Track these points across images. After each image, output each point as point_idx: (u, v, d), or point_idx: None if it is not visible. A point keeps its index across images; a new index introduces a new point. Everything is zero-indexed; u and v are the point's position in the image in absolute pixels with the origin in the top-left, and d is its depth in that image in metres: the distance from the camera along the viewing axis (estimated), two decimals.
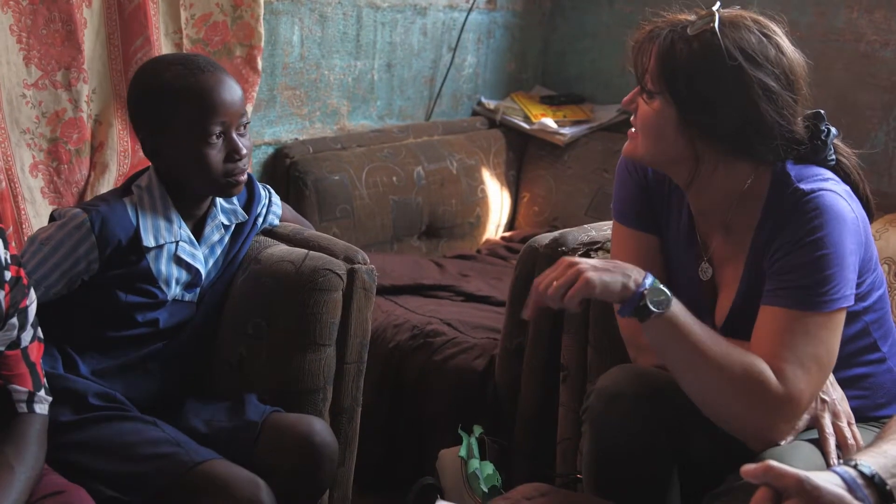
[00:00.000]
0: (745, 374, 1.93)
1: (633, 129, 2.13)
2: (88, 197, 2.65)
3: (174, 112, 2.16)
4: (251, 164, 2.28)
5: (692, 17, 2.04)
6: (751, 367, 1.94)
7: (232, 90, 2.20)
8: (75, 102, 2.68)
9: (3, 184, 2.54)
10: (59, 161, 2.68)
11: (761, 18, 2.06)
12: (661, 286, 1.96)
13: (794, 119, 2.03)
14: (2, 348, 1.86)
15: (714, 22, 2.00)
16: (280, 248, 2.40)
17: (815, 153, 2.09)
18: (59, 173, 2.68)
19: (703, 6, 2.08)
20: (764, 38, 2.02)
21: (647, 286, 1.96)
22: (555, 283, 1.95)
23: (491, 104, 4.05)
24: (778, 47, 2.03)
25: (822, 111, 2.10)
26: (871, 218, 2.16)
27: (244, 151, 2.21)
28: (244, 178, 2.25)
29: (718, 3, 2.06)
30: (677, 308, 1.96)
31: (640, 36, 2.10)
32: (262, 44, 3.01)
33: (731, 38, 1.99)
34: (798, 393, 1.93)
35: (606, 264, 2.01)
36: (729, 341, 2.04)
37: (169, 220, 2.23)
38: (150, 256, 2.21)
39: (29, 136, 2.63)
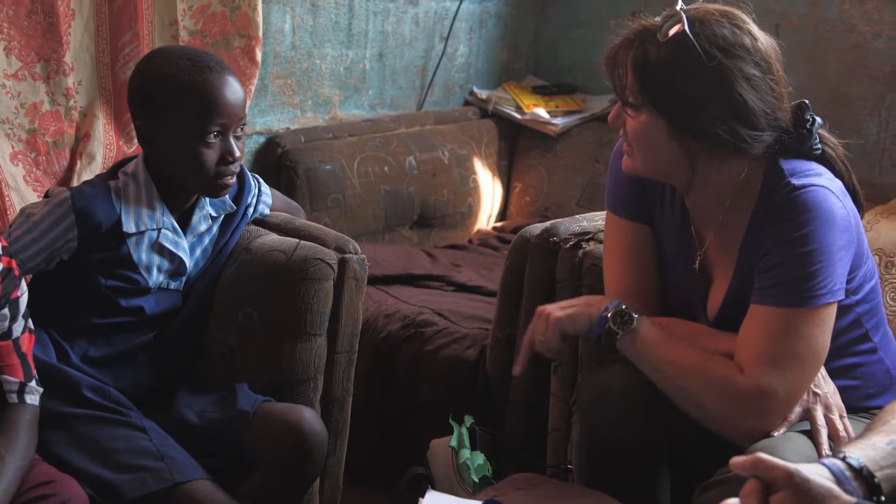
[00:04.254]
0: (712, 378, 2.00)
1: (626, 145, 2.12)
2: (74, 185, 2.65)
3: (176, 106, 2.16)
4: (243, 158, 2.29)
5: (659, 20, 2.03)
6: (714, 370, 2.00)
7: (236, 93, 2.20)
8: (52, 95, 2.69)
9: None
10: (38, 152, 2.70)
11: (728, 9, 2.05)
12: (625, 308, 2.08)
13: (778, 104, 2.04)
14: None
15: (683, 23, 2.00)
16: (271, 238, 2.40)
17: (800, 142, 2.09)
18: (37, 164, 2.70)
19: (673, 3, 2.08)
20: (735, 29, 2.01)
21: (609, 311, 2.09)
22: (535, 334, 2.18)
23: (483, 94, 4.06)
24: (750, 34, 2.02)
25: (807, 101, 2.10)
26: (861, 209, 2.17)
27: (238, 154, 2.21)
28: (232, 181, 2.25)
29: (681, 2, 2.04)
30: (643, 326, 2.07)
31: (611, 51, 2.09)
32: (262, 35, 3.01)
33: (704, 36, 1.98)
34: (767, 387, 1.95)
35: (571, 301, 2.23)
36: (713, 338, 2.09)
37: (152, 208, 2.23)
38: (131, 242, 2.21)
39: (8, 127, 2.64)
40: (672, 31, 2.00)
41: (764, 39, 2.04)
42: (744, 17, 2.05)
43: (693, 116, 2.01)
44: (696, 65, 1.98)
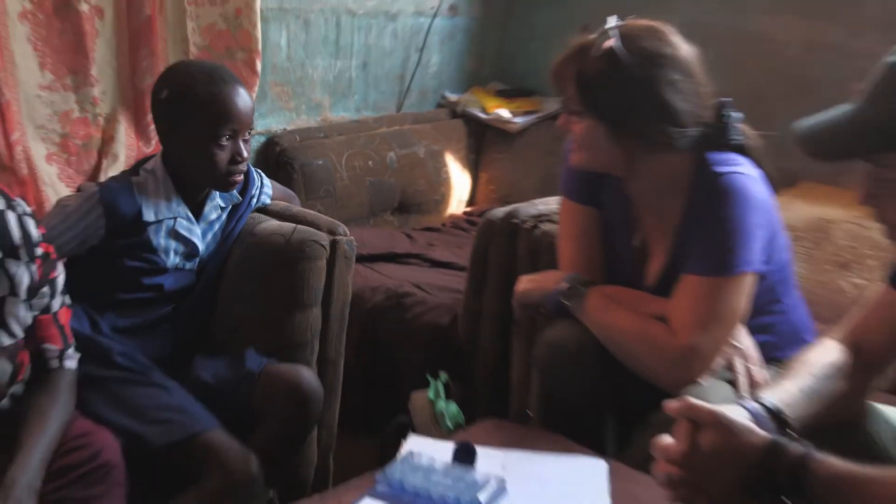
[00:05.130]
0: (646, 337, 2.03)
1: (574, 144, 2.14)
2: (102, 181, 2.66)
3: (194, 112, 2.16)
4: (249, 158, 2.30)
5: (593, 37, 2.04)
6: (650, 332, 2.04)
7: (246, 102, 2.21)
8: (81, 104, 2.70)
9: (26, 170, 2.57)
10: (69, 153, 2.70)
11: (653, 24, 2.06)
12: (578, 284, 2.14)
13: (700, 103, 2.05)
14: (36, 313, 1.88)
15: (613, 38, 2.00)
16: (272, 224, 2.40)
17: (722, 134, 2.11)
18: (69, 164, 2.71)
19: (627, 14, 2.09)
20: (658, 41, 2.02)
21: (565, 284, 2.15)
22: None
23: (453, 97, 4.06)
24: (672, 45, 2.03)
25: (728, 99, 2.12)
26: (776, 190, 2.20)
27: (245, 155, 2.22)
28: (241, 178, 2.26)
29: (610, 20, 2.05)
30: (592, 295, 2.12)
31: (556, 66, 2.10)
32: (261, 48, 3.01)
33: (632, 50, 1.99)
34: (695, 345, 1.98)
35: (535, 276, 2.29)
36: (650, 302, 2.12)
37: (168, 200, 2.24)
38: (151, 229, 2.22)
39: (43, 132, 2.65)
40: (605, 46, 2.02)
41: (686, 49, 2.05)
42: (667, 30, 2.06)
43: (627, 119, 2.03)
44: (627, 75, 1.99)
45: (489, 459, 1.89)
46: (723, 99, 2.12)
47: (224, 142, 2.18)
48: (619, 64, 1.99)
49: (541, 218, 2.59)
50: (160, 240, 2.24)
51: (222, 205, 2.36)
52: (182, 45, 2.86)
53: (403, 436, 2.05)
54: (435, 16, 3.90)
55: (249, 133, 2.25)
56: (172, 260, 2.27)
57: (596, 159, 2.12)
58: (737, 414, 1.57)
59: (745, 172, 2.07)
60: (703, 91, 2.07)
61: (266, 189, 2.50)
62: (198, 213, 2.31)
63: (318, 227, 2.38)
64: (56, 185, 2.62)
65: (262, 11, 3.03)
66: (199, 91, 2.16)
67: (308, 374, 2.22)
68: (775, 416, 1.61)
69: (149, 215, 2.22)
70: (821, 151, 1.55)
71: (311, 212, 2.50)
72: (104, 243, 2.19)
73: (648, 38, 2.03)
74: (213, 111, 2.16)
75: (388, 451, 2.38)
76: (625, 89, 2.00)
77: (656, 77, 2.00)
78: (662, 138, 2.02)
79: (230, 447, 2.03)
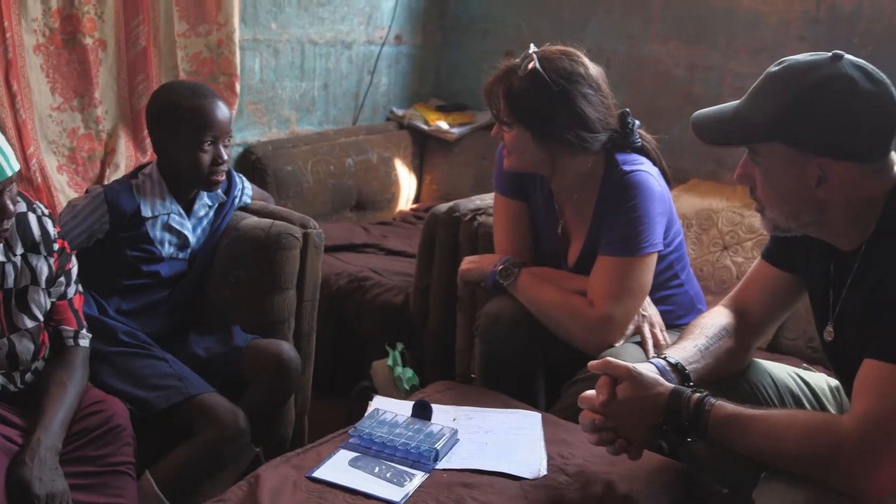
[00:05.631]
0: (569, 309, 2.06)
1: (505, 150, 2.15)
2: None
3: (181, 122, 2.16)
4: (230, 163, 2.28)
5: (518, 61, 2.06)
6: (572, 304, 2.06)
7: (224, 113, 2.20)
8: (86, 122, 2.66)
9: (39, 179, 2.53)
10: (77, 164, 2.66)
11: (565, 48, 2.08)
12: (511, 266, 2.16)
13: (608, 113, 2.08)
14: (53, 299, 1.86)
15: (535, 61, 2.02)
16: (253, 219, 2.38)
17: (626, 137, 2.13)
18: (76, 173, 2.67)
19: (543, 42, 2.11)
20: (572, 62, 2.04)
21: (499, 266, 2.16)
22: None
23: (400, 112, 4.05)
24: (583, 65, 2.05)
25: (629, 109, 2.15)
26: (670, 185, 2.23)
27: (225, 158, 2.21)
28: (223, 178, 2.25)
29: (532, 47, 2.06)
30: (523, 274, 2.14)
31: (487, 85, 2.11)
32: (239, 73, 2.97)
33: (550, 69, 2.01)
34: (610, 314, 2.01)
35: (476, 258, 2.31)
36: (571, 279, 2.14)
37: (163, 199, 2.23)
38: (148, 224, 2.20)
39: (54, 146, 2.62)
40: (529, 67, 2.03)
41: (594, 68, 2.08)
42: (578, 53, 2.08)
43: (549, 127, 2.04)
44: (547, 90, 2.01)
45: (443, 414, 1.90)
46: (625, 109, 2.15)
47: (207, 147, 2.17)
48: (541, 82, 2.01)
49: (478, 211, 2.60)
50: (156, 232, 2.22)
51: (209, 203, 2.33)
52: (173, 71, 2.82)
53: (367, 398, 2.04)
54: (383, 44, 3.88)
55: (229, 140, 2.24)
56: (167, 250, 2.24)
57: (524, 162, 2.13)
58: (647, 369, 1.60)
59: (647, 170, 2.10)
60: (609, 103, 2.09)
61: (247, 191, 2.48)
62: (189, 210, 2.29)
63: (291, 221, 2.37)
64: (66, 192, 2.58)
65: (239, 42, 3.00)
66: (184, 104, 2.16)
67: (287, 347, 2.21)
68: (678, 371, 1.64)
69: (146, 211, 2.20)
70: (708, 137, 1.58)
71: (286, 209, 2.49)
72: (108, 236, 2.17)
73: (564, 59, 2.04)
74: (196, 121, 2.15)
75: (354, 411, 2.40)
76: (546, 102, 2.01)
77: (572, 91, 2.01)
78: (578, 142, 2.04)
79: (221, 405, 2.03)
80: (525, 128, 2.06)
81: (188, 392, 2.01)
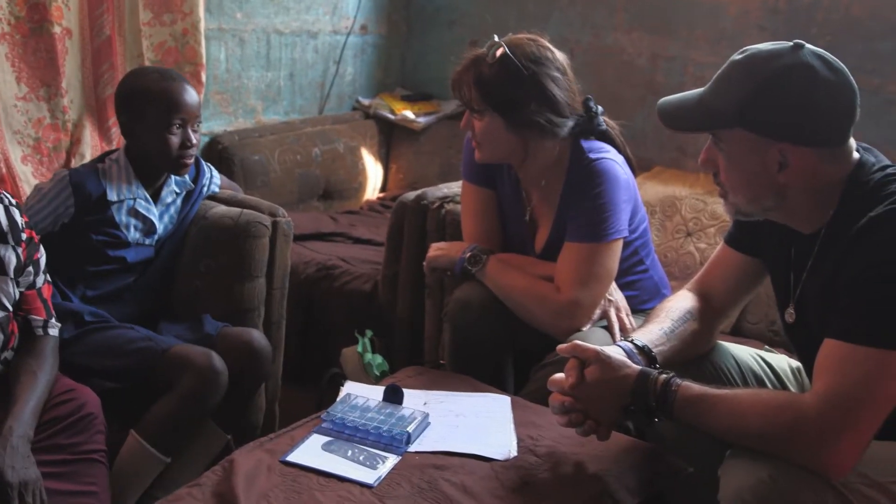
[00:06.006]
0: (537, 294, 2.07)
1: (475, 142, 2.16)
2: None
3: (149, 105, 2.16)
4: (198, 149, 2.28)
5: (485, 49, 2.08)
6: (539, 290, 2.07)
7: (192, 96, 2.20)
8: (52, 112, 2.62)
9: (4, 170, 2.51)
10: (42, 155, 2.63)
11: (532, 35, 2.10)
12: (479, 253, 2.16)
13: (573, 98, 2.10)
14: (22, 289, 1.84)
15: (503, 47, 2.04)
16: (221, 208, 2.38)
17: (590, 122, 2.16)
18: (41, 163, 2.63)
19: (506, 33, 2.12)
20: (539, 47, 2.07)
21: (467, 253, 2.17)
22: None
23: (365, 102, 4.04)
24: (549, 50, 2.08)
25: (591, 96, 2.17)
26: (635, 172, 2.26)
27: (194, 141, 2.21)
28: (191, 161, 2.25)
29: (495, 36, 2.08)
30: (490, 261, 2.15)
31: (456, 74, 2.12)
32: (204, 62, 2.95)
33: (519, 54, 2.03)
34: (577, 299, 2.03)
35: (444, 246, 2.31)
36: (538, 265, 2.15)
37: (129, 183, 2.22)
38: (114, 208, 2.20)
39: (19, 136, 2.58)
40: (497, 54, 2.05)
41: (559, 54, 2.10)
42: (543, 39, 2.10)
43: (521, 112, 2.06)
44: (518, 75, 2.02)
45: (413, 399, 1.91)
46: (587, 96, 2.17)
47: (175, 130, 2.17)
48: (511, 67, 2.02)
49: (445, 199, 2.61)
50: (122, 217, 2.21)
51: (177, 190, 2.33)
52: (138, 60, 2.80)
53: (338, 385, 2.04)
54: (349, 34, 3.87)
55: (198, 124, 2.24)
56: (133, 235, 2.24)
57: (496, 151, 2.14)
58: (614, 352, 1.63)
59: (613, 158, 2.12)
60: (574, 88, 2.12)
61: (216, 180, 2.47)
62: (156, 196, 2.29)
63: (260, 210, 2.37)
64: (31, 182, 2.55)
65: (205, 31, 2.98)
66: (153, 87, 2.16)
67: (258, 335, 2.21)
68: (644, 353, 1.67)
69: (112, 195, 2.20)
70: (673, 124, 1.61)
71: (255, 198, 2.48)
72: (74, 220, 2.16)
73: (531, 44, 2.07)
74: (164, 103, 2.16)
75: (324, 398, 2.39)
76: (518, 87, 2.03)
77: (541, 74, 2.03)
78: (550, 126, 2.06)
79: (193, 351, 2.04)
80: (498, 114, 2.08)
81: (160, 347, 2.03)
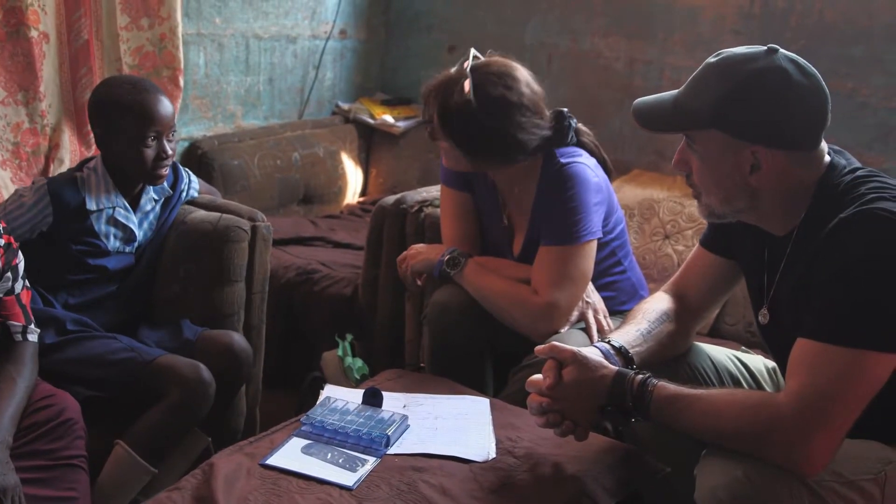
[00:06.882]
0: (515, 297, 2.08)
1: (442, 152, 2.20)
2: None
3: (123, 118, 2.14)
4: (174, 157, 2.27)
5: (455, 72, 2.08)
6: (517, 292, 2.08)
7: (166, 107, 2.18)
8: (31, 116, 2.60)
9: None
10: (20, 159, 2.61)
11: (499, 59, 2.11)
12: (458, 256, 2.18)
13: (542, 115, 2.10)
14: (0, 295, 1.83)
15: (469, 83, 2.03)
16: (200, 213, 2.37)
17: (562, 136, 2.18)
18: (20, 168, 2.61)
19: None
20: (505, 74, 2.07)
21: (446, 256, 2.19)
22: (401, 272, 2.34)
23: (345, 106, 4.04)
24: (514, 76, 2.07)
25: (565, 109, 2.18)
26: (611, 176, 2.28)
27: (169, 152, 2.19)
28: (166, 172, 2.23)
29: (471, 53, 2.09)
30: (469, 265, 2.16)
31: (426, 91, 2.13)
32: (183, 67, 2.95)
33: (483, 97, 2.03)
34: (554, 302, 2.04)
35: (423, 249, 2.31)
36: (516, 268, 2.16)
37: (108, 192, 2.21)
38: (93, 217, 2.18)
39: None
40: (466, 92, 2.03)
41: (525, 76, 2.09)
42: (515, 70, 2.09)
43: (479, 151, 2.09)
44: (479, 122, 2.04)
45: (393, 401, 1.92)
46: (560, 109, 2.18)
47: (150, 142, 2.15)
48: (472, 112, 2.03)
49: (424, 203, 2.62)
50: (101, 226, 2.20)
51: (156, 197, 2.32)
52: (116, 64, 2.78)
53: (317, 389, 2.05)
54: (328, 39, 3.87)
55: (173, 134, 2.22)
56: (113, 244, 2.23)
57: (458, 166, 2.18)
58: (591, 353, 1.64)
59: (583, 161, 2.14)
60: (545, 114, 2.11)
61: (194, 184, 2.46)
62: (135, 204, 2.27)
63: (240, 215, 2.36)
64: (9, 187, 2.52)
65: (183, 36, 2.98)
66: (125, 100, 2.14)
67: (238, 338, 2.21)
68: (621, 354, 1.68)
69: (91, 205, 2.18)
70: (648, 124, 1.63)
71: (234, 203, 2.48)
72: (52, 229, 2.15)
73: (499, 85, 2.05)
74: (138, 117, 2.13)
75: (305, 402, 2.39)
76: (479, 131, 2.05)
77: (504, 122, 2.05)
78: (508, 160, 2.09)
79: (180, 362, 2.04)
80: (455, 145, 2.10)
81: (144, 359, 2.02)
